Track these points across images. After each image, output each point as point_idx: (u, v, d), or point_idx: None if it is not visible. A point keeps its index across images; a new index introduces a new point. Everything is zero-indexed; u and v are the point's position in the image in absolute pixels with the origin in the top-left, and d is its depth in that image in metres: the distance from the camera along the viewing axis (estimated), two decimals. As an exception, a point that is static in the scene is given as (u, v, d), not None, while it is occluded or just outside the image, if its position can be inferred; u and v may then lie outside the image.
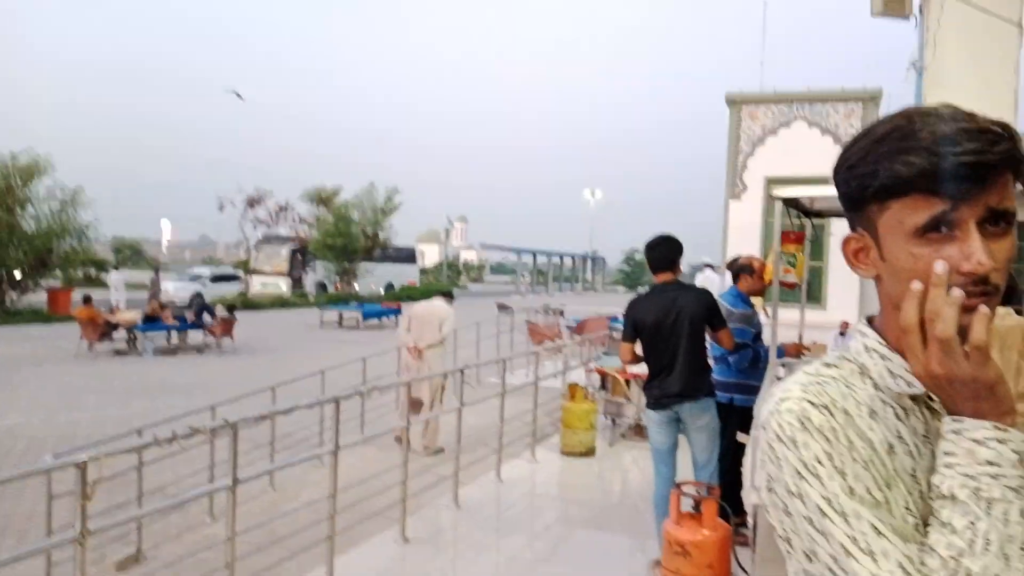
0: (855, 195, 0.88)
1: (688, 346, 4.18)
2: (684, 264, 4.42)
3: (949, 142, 0.81)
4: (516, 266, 56.77)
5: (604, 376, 8.05)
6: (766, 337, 4.32)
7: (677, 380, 4.20)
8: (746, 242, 14.51)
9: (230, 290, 29.30)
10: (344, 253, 32.23)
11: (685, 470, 4.30)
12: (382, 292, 34.97)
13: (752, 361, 4.58)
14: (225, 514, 3.81)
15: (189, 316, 16.50)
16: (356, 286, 33.12)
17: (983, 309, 0.77)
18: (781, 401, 0.88)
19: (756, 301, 4.97)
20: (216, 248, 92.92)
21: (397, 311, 23.31)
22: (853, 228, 0.91)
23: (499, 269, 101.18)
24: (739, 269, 4.72)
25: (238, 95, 40.50)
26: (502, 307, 16.27)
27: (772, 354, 3.87)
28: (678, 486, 3.78)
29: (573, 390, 6.98)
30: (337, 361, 9.70)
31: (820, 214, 4.32)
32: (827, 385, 0.88)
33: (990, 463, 0.76)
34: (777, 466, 0.86)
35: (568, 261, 63.13)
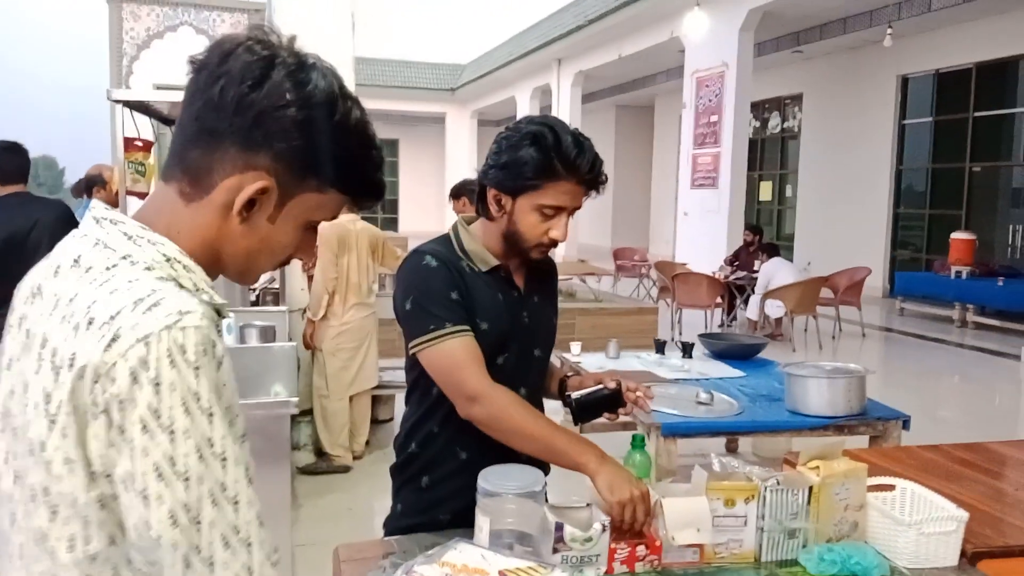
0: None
1: None
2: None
3: None
4: None
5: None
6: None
7: None
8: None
9: None
10: None
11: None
12: None
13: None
14: None
15: None
16: None
17: None
18: (181, 314, 0.73)
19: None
20: None
21: None
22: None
23: None
24: (90, 181, 4.38)
25: None
26: None
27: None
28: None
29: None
30: None
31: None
32: (198, 303, 0.78)
33: None
34: (156, 393, 0.70)
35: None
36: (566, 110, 16.77)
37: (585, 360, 4.30)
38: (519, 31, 19.44)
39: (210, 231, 0.85)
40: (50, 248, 3.36)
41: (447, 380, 1.54)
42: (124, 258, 0.80)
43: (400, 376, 5.37)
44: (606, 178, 1.58)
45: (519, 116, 15.18)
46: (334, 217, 0.91)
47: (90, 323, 0.74)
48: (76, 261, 0.81)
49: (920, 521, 1.50)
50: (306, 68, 0.83)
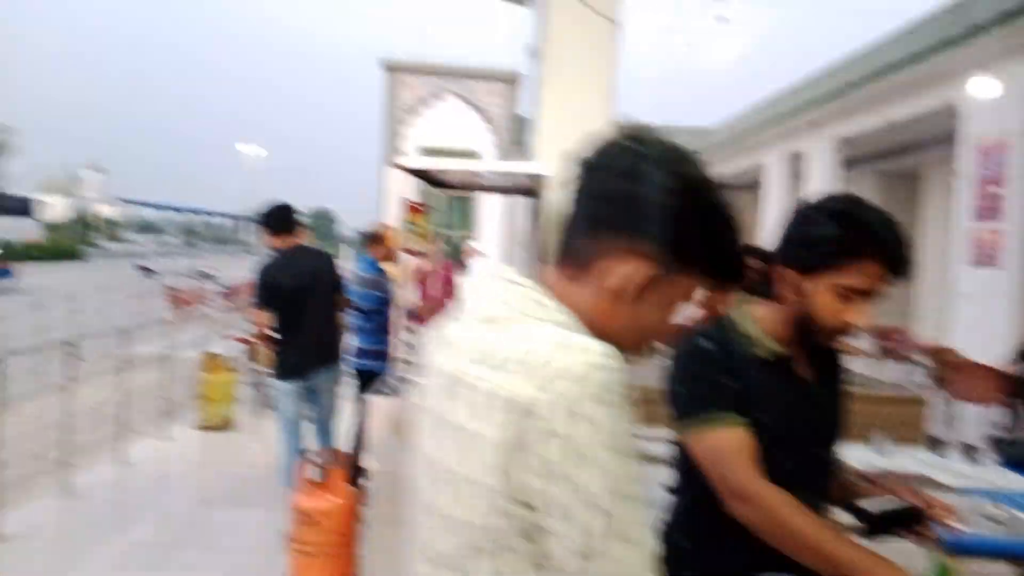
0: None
1: (323, 311, 4.17)
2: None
3: None
4: (165, 225, 52.18)
5: (250, 344, 7.74)
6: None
7: (314, 347, 4.15)
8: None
9: None
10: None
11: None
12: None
13: (382, 326, 4.73)
14: None
15: None
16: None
17: None
18: (603, 356, 0.78)
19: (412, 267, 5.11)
20: None
21: (6, 272, 20.39)
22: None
23: (146, 227, 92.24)
24: (369, 237, 4.86)
25: None
26: (144, 270, 14.74)
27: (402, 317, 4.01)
28: (305, 454, 3.76)
29: (210, 360, 6.59)
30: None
31: (451, 185, 4.52)
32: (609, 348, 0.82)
33: None
34: (587, 430, 0.74)
35: (229, 222, 59.60)
36: (822, 177, 15.90)
37: (846, 453, 3.93)
38: (771, 94, 18.88)
39: (593, 311, 0.89)
40: (324, 294, 3.73)
41: (713, 472, 1.44)
42: (532, 315, 0.86)
43: (652, 447, 5.28)
44: (915, 262, 1.43)
45: (769, 182, 14.54)
46: (692, 299, 0.92)
47: (519, 364, 0.79)
48: (488, 318, 0.88)
49: None
50: (676, 159, 0.89)
